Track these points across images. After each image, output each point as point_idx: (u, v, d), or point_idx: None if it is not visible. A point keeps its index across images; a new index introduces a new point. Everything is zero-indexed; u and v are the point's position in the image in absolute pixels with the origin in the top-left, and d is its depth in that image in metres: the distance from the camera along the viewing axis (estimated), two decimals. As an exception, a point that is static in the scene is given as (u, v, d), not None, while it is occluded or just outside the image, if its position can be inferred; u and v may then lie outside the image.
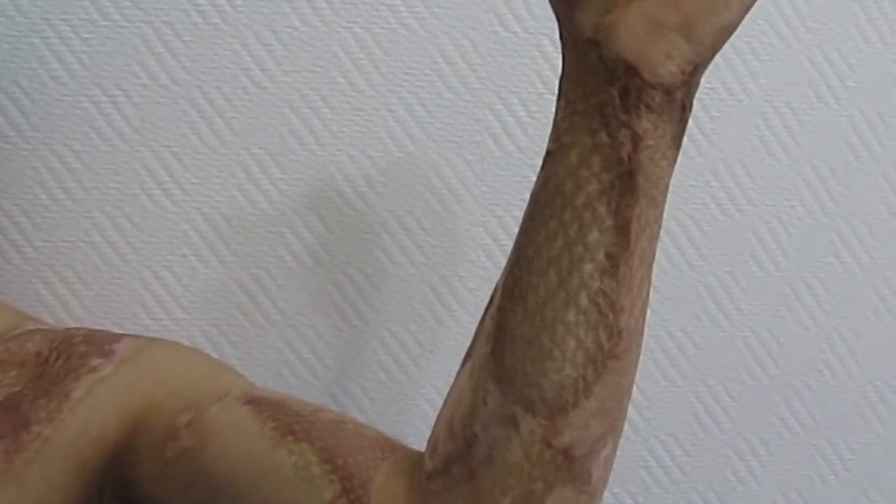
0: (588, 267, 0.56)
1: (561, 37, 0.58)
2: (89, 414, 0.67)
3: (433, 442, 0.59)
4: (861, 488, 0.95)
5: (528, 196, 0.59)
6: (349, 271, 0.86)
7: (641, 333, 0.58)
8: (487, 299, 0.59)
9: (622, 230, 0.56)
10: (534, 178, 0.61)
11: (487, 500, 0.57)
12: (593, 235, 0.56)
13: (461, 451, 0.58)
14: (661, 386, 0.91)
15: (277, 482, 0.61)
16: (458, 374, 0.60)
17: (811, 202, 0.91)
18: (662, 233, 0.89)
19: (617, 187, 0.56)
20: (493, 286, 0.86)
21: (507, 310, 0.58)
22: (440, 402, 0.89)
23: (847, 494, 0.95)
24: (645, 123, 0.55)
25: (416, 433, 0.89)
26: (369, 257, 0.87)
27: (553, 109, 0.86)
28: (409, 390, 0.89)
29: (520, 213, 0.59)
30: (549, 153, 0.58)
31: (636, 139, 0.56)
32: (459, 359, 0.89)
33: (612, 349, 0.56)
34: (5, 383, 0.69)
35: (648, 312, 0.90)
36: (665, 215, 0.88)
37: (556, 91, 0.57)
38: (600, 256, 0.56)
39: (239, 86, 0.84)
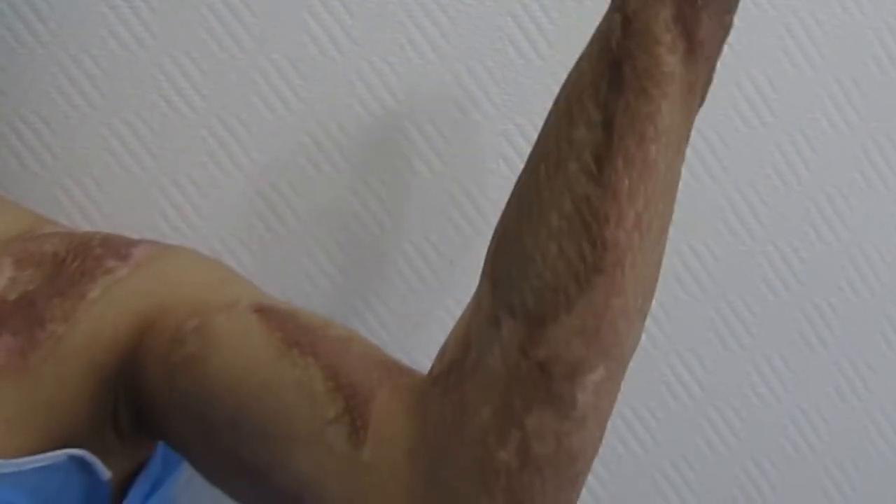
0: (573, 167, 0.53)
1: None
2: (103, 315, 0.66)
3: (443, 347, 0.59)
4: (880, 406, 0.95)
5: (549, 104, 0.58)
6: (369, 180, 0.86)
7: (642, 251, 0.53)
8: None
9: (607, 127, 0.52)
10: (555, 87, 0.60)
11: (469, 411, 0.55)
12: (579, 132, 0.53)
13: (459, 358, 0.57)
14: (680, 300, 0.91)
15: (279, 396, 0.59)
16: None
17: (835, 115, 0.90)
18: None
19: (605, 78, 0.52)
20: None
21: (506, 208, 0.56)
22: (459, 314, 0.88)
23: (866, 412, 0.95)
24: (634, 4, 0.52)
25: (436, 344, 0.89)
26: (389, 166, 0.86)
27: (575, 15, 0.85)
28: (428, 301, 0.88)
29: (540, 122, 0.57)
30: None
31: (625, 23, 0.52)
32: (479, 269, 0.88)
33: (597, 263, 0.53)
34: (21, 281, 0.68)
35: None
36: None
37: None
38: (586, 156, 0.52)
39: (258, -11, 0.83)
